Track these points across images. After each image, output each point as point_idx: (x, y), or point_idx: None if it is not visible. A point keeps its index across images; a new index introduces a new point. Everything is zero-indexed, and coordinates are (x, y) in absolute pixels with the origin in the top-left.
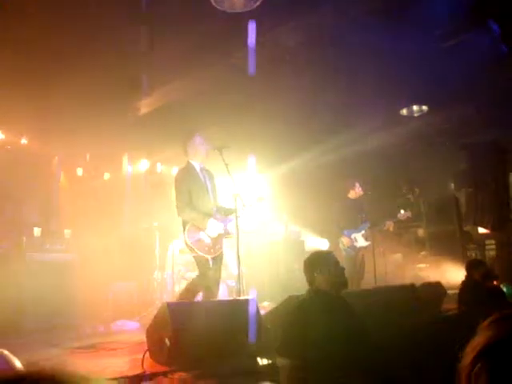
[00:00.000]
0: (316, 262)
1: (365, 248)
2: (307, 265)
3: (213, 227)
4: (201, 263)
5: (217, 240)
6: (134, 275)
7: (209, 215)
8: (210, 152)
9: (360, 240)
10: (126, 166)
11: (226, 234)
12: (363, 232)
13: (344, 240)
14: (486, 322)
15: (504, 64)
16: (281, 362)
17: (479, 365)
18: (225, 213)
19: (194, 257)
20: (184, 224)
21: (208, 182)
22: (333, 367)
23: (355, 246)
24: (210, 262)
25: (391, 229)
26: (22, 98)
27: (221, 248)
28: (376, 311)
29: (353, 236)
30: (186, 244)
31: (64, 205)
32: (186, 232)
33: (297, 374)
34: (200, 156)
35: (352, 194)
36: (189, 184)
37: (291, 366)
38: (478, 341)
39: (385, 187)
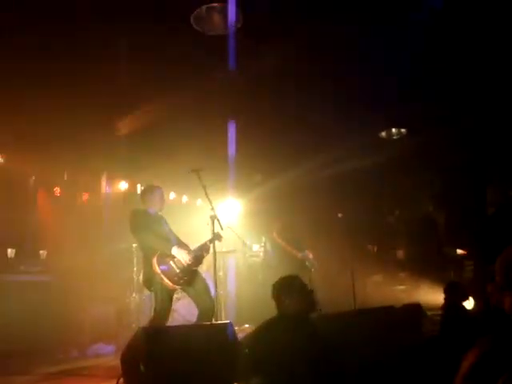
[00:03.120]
0: (283, 287)
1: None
2: (275, 289)
3: (178, 255)
4: (162, 295)
5: (185, 271)
6: (111, 297)
7: (171, 243)
8: (188, 175)
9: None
10: (105, 187)
11: (194, 265)
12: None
13: (310, 254)
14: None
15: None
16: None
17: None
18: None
19: (154, 291)
20: (148, 253)
21: (163, 222)
22: None
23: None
24: (175, 296)
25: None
26: None
27: (189, 279)
28: (355, 334)
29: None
30: (154, 268)
31: (40, 225)
32: (155, 260)
33: None
34: (156, 207)
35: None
36: (145, 220)
37: None
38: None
39: (365, 209)
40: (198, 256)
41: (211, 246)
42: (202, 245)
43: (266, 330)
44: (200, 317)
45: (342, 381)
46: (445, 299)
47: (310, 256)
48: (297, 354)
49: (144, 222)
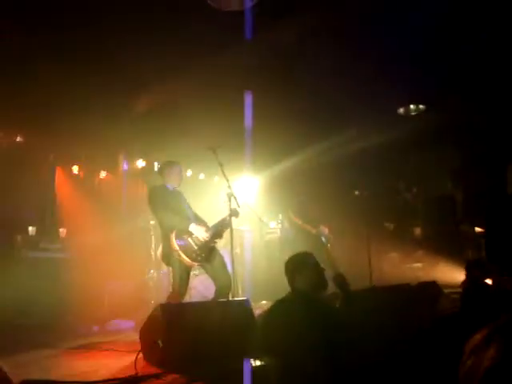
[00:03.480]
0: (296, 264)
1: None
2: (288, 266)
3: (196, 231)
4: (180, 272)
5: (203, 248)
6: (129, 274)
7: (188, 220)
8: (204, 153)
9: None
10: (123, 165)
11: (212, 241)
12: None
13: (326, 229)
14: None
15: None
16: (268, 361)
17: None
18: (204, 222)
19: (171, 267)
20: (167, 230)
21: (181, 197)
22: (313, 367)
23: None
24: (193, 272)
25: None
26: (17, 96)
27: (206, 256)
28: (372, 311)
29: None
30: (172, 245)
31: (59, 203)
32: (173, 236)
33: (280, 373)
34: (174, 182)
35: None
36: (163, 194)
37: (274, 365)
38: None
39: (382, 186)
40: (217, 231)
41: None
42: (221, 220)
43: (278, 308)
44: (217, 293)
45: (355, 359)
46: (466, 276)
47: (326, 231)
48: (308, 332)
49: (162, 198)
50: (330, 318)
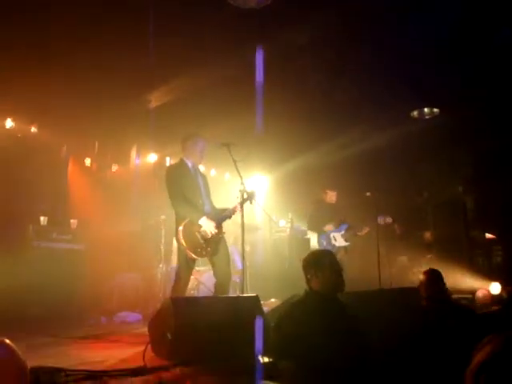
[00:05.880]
0: (312, 263)
1: (344, 248)
2: (304, 265)
3: (205, 226)
4: (187, 263)
5: (210, 242)
6: (138, 267)
7: (201, 212)
8: (218, 149)
9: (339, 240)
10: (135, 158)
11: (220, 233)
12: (343, 232)
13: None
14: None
15: None
16: (283, 364)
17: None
18: (216, 212)
19: (178, 249)
20: (180, 219)
21: (200, 179)
22: (327, 368)
23: (334, 245)
24: (203, 267)
25: (364, 233)
26: (33, 86)
27: (213, 250)
28: (380, 313)
29: (332, 235)
30: (178, 239)
31: (71, 194)
32: (180, 229)
33: (295, 373)
34: (195, 157)
35: (326, 199)
36: (180, 178)
37: (289, 365)
38: (478, 358)
39: (392, 189)
40: (226, 218)
41: (240, 207)
42: (231, 208)
43: (292, 310)
44: (217, 284)
45: (369, 360)
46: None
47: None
48: (325, 333)
49: (178, 183)
50: (346, 321)
